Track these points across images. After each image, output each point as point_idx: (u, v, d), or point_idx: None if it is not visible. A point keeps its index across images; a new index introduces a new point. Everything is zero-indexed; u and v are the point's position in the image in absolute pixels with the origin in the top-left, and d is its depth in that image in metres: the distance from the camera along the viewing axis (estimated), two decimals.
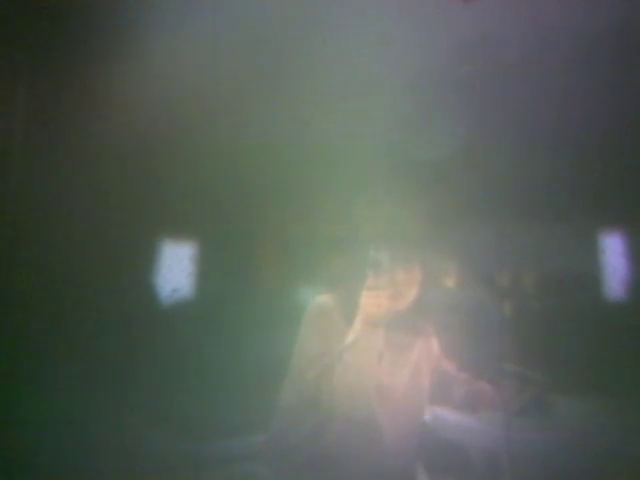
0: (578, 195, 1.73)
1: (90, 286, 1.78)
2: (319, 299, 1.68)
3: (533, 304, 1.68)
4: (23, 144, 1.85)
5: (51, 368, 1.75)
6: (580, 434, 1.58)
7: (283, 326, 1.68)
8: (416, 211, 1.69)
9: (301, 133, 1.81)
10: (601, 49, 1.73)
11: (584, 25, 1.74)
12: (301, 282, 1.77)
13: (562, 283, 1.68)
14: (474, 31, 1.78)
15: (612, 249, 1.70)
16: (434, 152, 1.73)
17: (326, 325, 1.64)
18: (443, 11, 1.78)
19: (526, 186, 1.72)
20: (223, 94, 1.83)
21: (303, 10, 1.83)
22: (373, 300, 1.61)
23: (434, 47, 1.77)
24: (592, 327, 1.62)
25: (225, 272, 1.80)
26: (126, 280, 1.81)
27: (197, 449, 1.69)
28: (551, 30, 1.75)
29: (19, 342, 1.75)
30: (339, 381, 1.58)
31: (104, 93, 1.85)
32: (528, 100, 1.73)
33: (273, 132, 1.82)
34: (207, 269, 1.82)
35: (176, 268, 1.84)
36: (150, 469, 1.69)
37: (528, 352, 1.62)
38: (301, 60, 1.83)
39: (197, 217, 1.86)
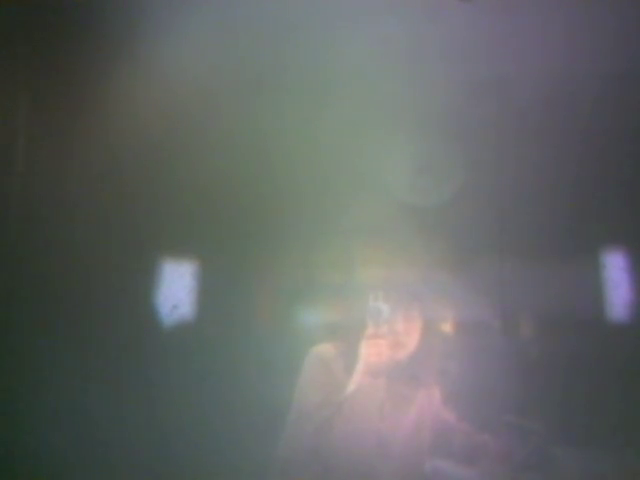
0: (581, 239, 1.72)
1: (89, 298, 1.79)
2: (318, 348, 1.66)
3: (535, 352, 1.66)
4: (24, 149, 1.86)
5: (43, 386, 1.74)
6: None
7: (280, 376, 1.67)
8: (416, 258, 1.69)
9: (302, 177, 1.81)
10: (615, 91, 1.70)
11: (600, 68, 1.72)
12: (299, 330, 1.75)
13: (564, 332, 1.65)
14: (486, 72, 1.76)
15: (616, 295, 1.68)
16: (435, 197, 1.71)
17: (325, 375, 1.62)
18: (455, 50, 1.77)
19: (528, 232, 1.70)
20: (228, 106, 1.84)
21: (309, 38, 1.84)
22: (373, 349, 1.60)
23: (443, 86, 1.77)
24: (596, 375, 1.59)
25: (218, 323, 1.79)
26: (126, 295, 1.80)
27: None
28: (565, 72, 1.72)
29: (14, 356, 1.75)
30: (339, 433, 1.57)
31: (106, 97, 1.85)
32: (530, 144, 1.73)
33: (275, 168, 1.83)
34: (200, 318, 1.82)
35: (177, 288, 1.84)
36: None
37: (530, 402, 1.60)
38: (305, 94, 1.83)
39: (198, 245, 1.87)
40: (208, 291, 1.83)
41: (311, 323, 1.75)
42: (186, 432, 1.69)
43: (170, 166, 1.84)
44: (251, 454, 1.61)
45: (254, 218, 1.82)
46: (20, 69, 1.88)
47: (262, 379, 1.67)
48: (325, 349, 1.66)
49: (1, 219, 1.84)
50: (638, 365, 1.61)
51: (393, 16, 1.83)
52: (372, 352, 1.60)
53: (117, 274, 1.80)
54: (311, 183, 1.80)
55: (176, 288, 1.85)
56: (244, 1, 1.88)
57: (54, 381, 1.74)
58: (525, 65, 1.77)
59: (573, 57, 1.75)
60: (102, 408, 1.73)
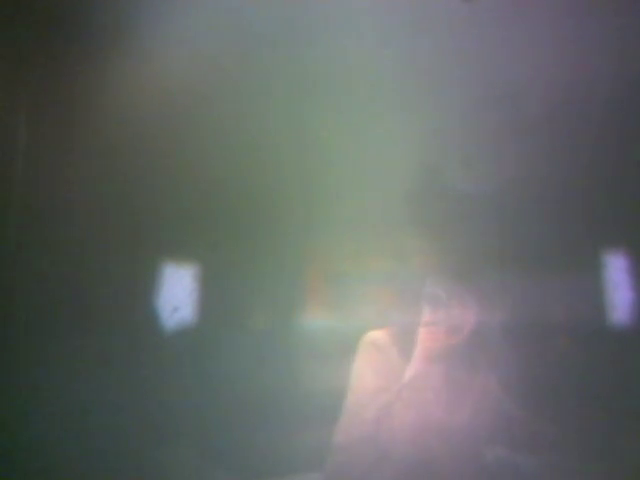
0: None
1: (89, 300, 1.70)
2: (373, 334, 1.61)
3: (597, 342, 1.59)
4: (25, 149, 1.77)
5: (42, 387, 1.65)
6: None
7: (332, 360, 1.62)
8: (470, 245, 1.64)
9: (336, 163, 1.76)
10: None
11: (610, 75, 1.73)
12: (351, 317, 1.70)
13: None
14: (489, 75, 1.75)
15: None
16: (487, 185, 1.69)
17: (381, 361, 1.59)
18: (457, 51, 1.76)
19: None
20: (231, 103, 1.78)
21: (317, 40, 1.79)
22: (429, 335, 1.56)
23: (443, 88, 1.75)
24: None
25: (263, 306, 1.74)
26: (126, 296, 1.72)
27: None
28: (574, 76, 1.73)
29: (14, 356, 1.67)
30: (397, 419, 1.52)
31: (108, 96, 1.79)
32: (532, 147, 1.71)
33: (297, 154, 1.77)
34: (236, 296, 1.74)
35: (181, 288, 1.75)
36: None
37: (594, 391, 1.54)
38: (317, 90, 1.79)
39: (211, 234, 1.78)
40: (217, 291, 1.75)
41: (362, 308, 1.69)
42: (195, 431, 1.63)
43: (171, 166, 1.78)
44: (307, 440, 1.56)
45: (262, 215, 1.76)
46: (20, 67, 1.80)
47: (315, 362, 1.62)
48: (380, 334, 1.61)
49: (1, 219, 1.75)
50: None
51: (393, 16, 1.81)
52: (428, 337, 1.56)
53: (117, 276, 1.73)
54: (310, 182, 1.76)
55: (178, 290, 1.75)
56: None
57: (53, 383, 1.64)
58: (531, 68, 1.78)
59: (583, 60, 1.76)
60: (101, 410, 1.65)
